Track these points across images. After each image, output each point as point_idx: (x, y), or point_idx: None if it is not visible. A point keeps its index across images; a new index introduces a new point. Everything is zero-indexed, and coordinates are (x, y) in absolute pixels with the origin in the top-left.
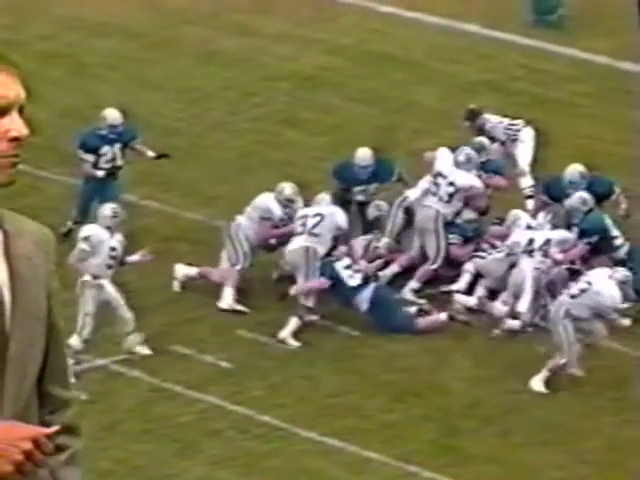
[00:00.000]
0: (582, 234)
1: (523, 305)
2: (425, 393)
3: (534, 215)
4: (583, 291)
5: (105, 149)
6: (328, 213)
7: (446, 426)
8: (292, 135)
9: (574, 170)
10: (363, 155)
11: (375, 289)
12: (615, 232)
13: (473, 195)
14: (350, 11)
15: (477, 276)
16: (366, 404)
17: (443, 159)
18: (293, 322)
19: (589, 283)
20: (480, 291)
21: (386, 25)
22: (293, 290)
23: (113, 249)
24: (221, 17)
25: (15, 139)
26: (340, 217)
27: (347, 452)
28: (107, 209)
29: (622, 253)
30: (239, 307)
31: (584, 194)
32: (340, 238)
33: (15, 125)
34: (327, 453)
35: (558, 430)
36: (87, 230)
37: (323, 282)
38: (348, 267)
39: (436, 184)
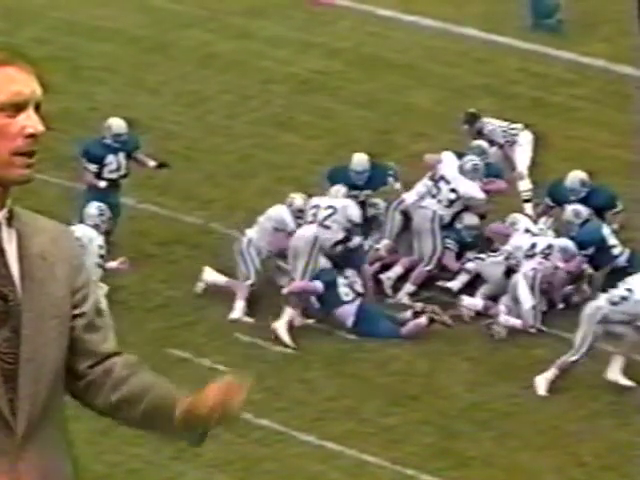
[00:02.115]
0: (579, 246)
1: (526, 303)
2: (422, 397)
3: (536, 220)
4: (624, 298)
5: (110, 159)
6: (341, 206)
7: (443, 429)
8: (289, 138)
9: (575, 177)
10: (359, 161)
11: (360, 304)
12: (613, 241)
13: (473, 205)
14: (347, 14)
15: (475, 278)
16: (363, 408)
17: (449, 164)
18: (287, 313)
19: (630, 290)
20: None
21: (383, 28)
22: (286, 290)
23: (101, 247)
24: (218, 20)
25: (31, 136)
26: (353, 211)
27: (345, 456)
28: (93, 208)
29: (622, 261)
30: (247, 319)
31: (577, 207)
32: (353, 231)
33: (31, 122)
34: (325, 457)
35: (555, 433)
36: (77, 230)
37: (316, 286)
38: (346, 282)
39: (437, 187)
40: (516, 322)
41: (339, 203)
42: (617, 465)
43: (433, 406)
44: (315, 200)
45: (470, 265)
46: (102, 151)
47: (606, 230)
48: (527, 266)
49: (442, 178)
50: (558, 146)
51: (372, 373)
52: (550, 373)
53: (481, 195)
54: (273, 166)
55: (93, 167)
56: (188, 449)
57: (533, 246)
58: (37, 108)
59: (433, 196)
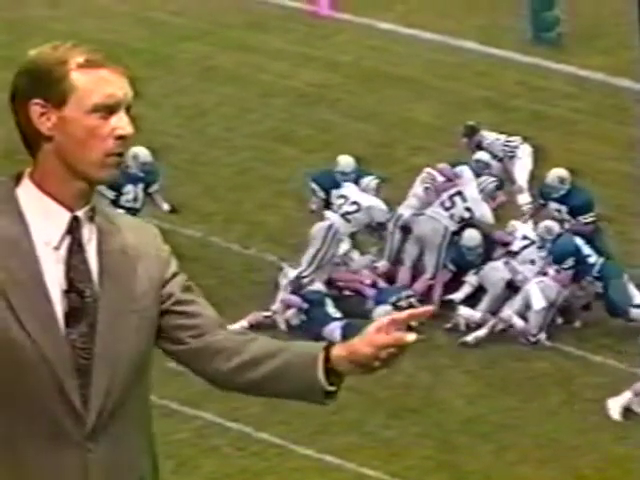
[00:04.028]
0: (555, 261)
1: (538, 304)
2: (422, 410)
3: (527, 219)
4: None
5: (128, 188)
6: (366, 206)
7: (443, 443)
8: (289, 152)
9: (554, 174)
10: (346, 162)
11: (348, 321)
12: (587, 250)
13: (480, 225)
14: (347, 27)
15: (478, 290)
16: (363, 421)
17: (469, 182)
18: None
19: None
20: (483, 307)
21: (383, 42)
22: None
23: None
24: (218, 34)
25: (121, 137)
26: (377, 212)
27: (344, 469)
28: None
29: (595, 271)
30: None
31: (549, 223)
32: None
33: (122, 123)
34: (325, 470)
35: (554, 447)
36: None
37: (295, 300)
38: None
39: (452, 201)
40: (519, 322)
41: (366, 201)
42: (617, 478)
43: (433, 419)
44: (344, 190)
45: (472, 278)
46: (122, 179)
47: (579, 241)
48: (544, 279)
49: (459, 194)
50: (557, 159)
51: (372, 386)
52: (623, 397)
53: (492, 220)
54: (273, 179)
55: (111, 194)
56: (188, 463)
57: (533, 262)
58: (127, 110)
59: (446, 209)
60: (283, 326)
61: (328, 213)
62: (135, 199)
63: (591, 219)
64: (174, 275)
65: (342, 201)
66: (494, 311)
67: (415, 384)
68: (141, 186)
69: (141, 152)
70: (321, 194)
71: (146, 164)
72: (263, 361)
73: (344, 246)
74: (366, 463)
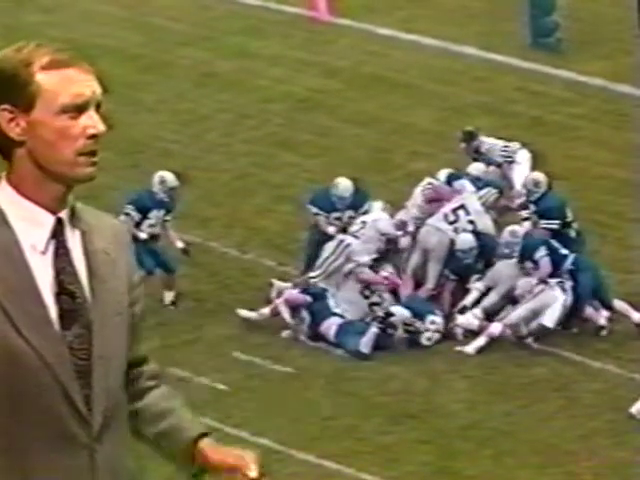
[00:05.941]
0: (529, 256)
1: (548, 321)
2: (420, 415)
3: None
4: None
5: (154, 213)
6: (371, 220)
7: (441, 448)
8: (287, 157)
9: (530, 178)
10: (345, 187)
11: (348, 319)
12: (556, 244)
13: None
14: (347, 33)
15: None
16: (362, 426)
17: (472, 196)
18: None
19: None
20: (487, 302)
21: (382, 47)
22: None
23: None
24: (216, 39)
25: (92, 136)
26: (383, 224)
27: (343, 474)
28: None
29: (568, 263)
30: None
31: (515, 227)
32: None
33: (92, 122)
34: (323, 475)
35: (553, 452)
36: None
37: (298, 297)
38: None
39: (456, 215)
40: (524, 330)
41: (370, 217)
42: None
43: (431, 425)
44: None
45: (478, 284)
46: (150, 204)
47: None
48: (569, 299)
49: (462, 207)
50: (556, 165)
51: (370, 392)
52: None
53: (494, 231)
54: (271, 185)
55: (137, 216)
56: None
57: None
58: (97, 108)
59: (450, 222)
60: (287, 317)
61: (342, 236)
62: (155, 225)
63: (553, 226)
64: (140, 282)
65: (352, 227)
66: (492, 313)
67: (414, 390)
68: (162, 212)
69: (168, 177)
70: (324, 213)
71: (173, 189)
72: (153, 421)
73: (363, 259)
74: (365, 469)
